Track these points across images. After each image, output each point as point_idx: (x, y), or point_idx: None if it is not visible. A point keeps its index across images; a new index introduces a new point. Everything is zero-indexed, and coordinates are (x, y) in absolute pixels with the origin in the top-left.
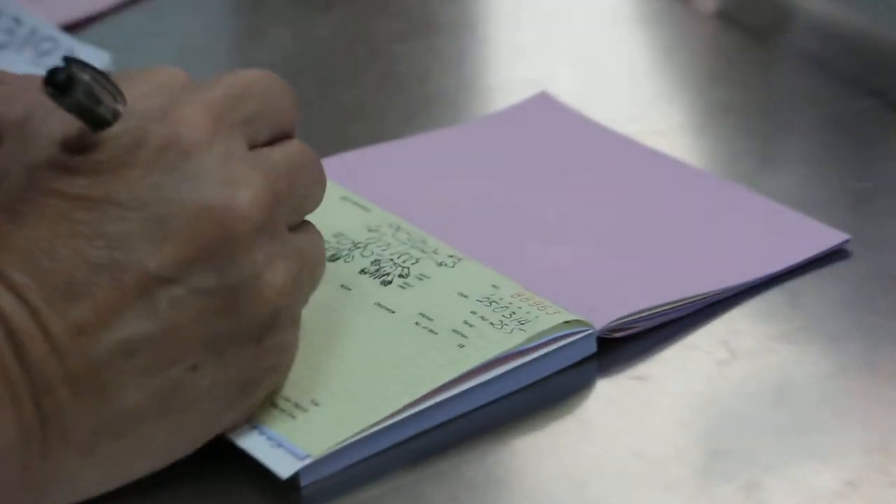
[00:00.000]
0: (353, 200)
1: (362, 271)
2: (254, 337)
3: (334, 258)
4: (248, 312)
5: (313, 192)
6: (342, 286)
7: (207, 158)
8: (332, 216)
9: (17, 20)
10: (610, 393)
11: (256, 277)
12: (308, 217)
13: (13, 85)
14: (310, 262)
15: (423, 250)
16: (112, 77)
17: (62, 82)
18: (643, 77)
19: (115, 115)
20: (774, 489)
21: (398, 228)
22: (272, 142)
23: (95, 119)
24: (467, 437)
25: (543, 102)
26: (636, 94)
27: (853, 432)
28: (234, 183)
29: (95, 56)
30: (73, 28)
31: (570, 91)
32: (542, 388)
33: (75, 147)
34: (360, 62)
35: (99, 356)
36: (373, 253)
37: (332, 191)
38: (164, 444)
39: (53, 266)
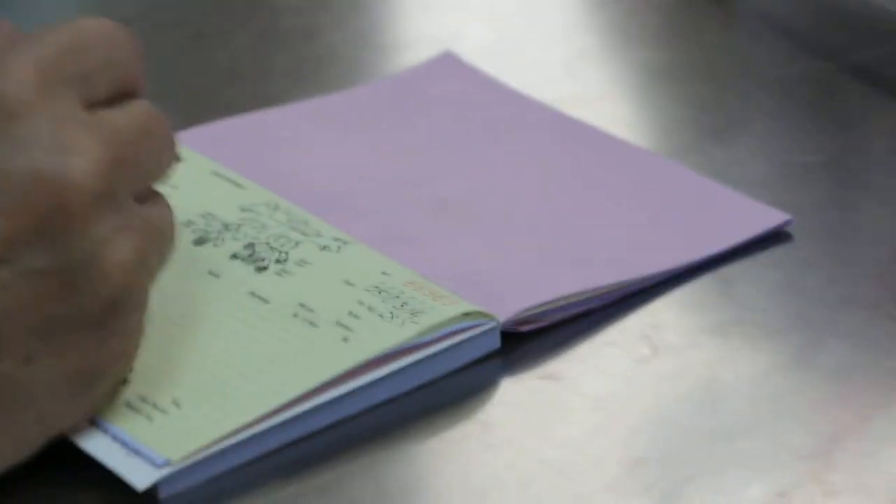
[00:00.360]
0: (225, 176)
1: (234, 256)
2: (95, 322)
3: (201, 241)
4: (88, 294)
5: (161, 158)
6: (210, 272)
7: (36, 121)
8: (200, 193)
9: None
10: (515, 394)
11: (96, 254)
12: (172, 193)
13: None
14: (159, 237)
15: (304, 233)
16: None
17: None
18: (562, 36)
19: None
20: (697, 502)
21: (276, 208)
22: (114, 101)
23: None
24: (353, 445)
25: (448, 63)
26: (554, 56)
27: (787, 437)
28: (67, 148)
29: None
30: None
31: (479, 51)
32: (439, 387)
33: None
34: (236, 15)
35: None
36: (246, 235)
37: (202, 164)
38: None
39: None
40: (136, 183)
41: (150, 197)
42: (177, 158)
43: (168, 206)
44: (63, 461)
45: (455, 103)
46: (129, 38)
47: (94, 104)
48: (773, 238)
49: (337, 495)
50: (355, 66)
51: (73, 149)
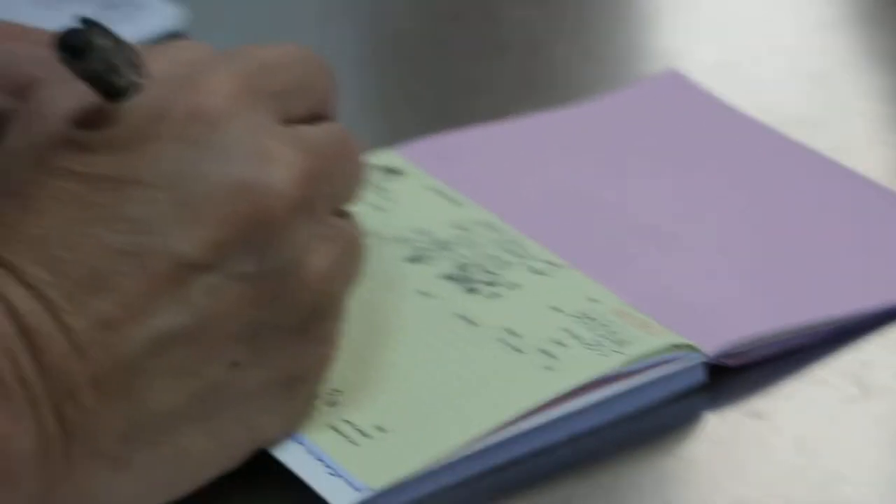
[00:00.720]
0: (441, 192)
1: (446, 276)
2: (298, 327)
3: (414, 259)
4: (290, 300)
5: (353, 177)
6: (420, 292)
7: (237, 130)
8: (415, 209)
9: None
10: (718, 430)
11: (298, 261)
12: (390, 208)
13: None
14: (354, 249)
15: (516, 254)
16: (135, 49)
17: (78, 46)
18: (794, 56)
19: (136, 88)
20: None
21: (491, 228)
22: (308, 122)
23: (113, 89)
24: (551, 476)
25: (672, 81)
26: (783, 76)
27: None
28: (267, 157)
29: (167, 12)
30: None
31: (705, 68)
32: (641, 420)
33: (90, 122)
34: (463, 26)
35: (127, 354)
36: (459, 255)
37: (419, 179)
38: (205, 454)
39: (72, 256)
40: (331, 196)
41: (343, 214)
42: (364, 178)
43: (357, 223)
44: (265, 475)
45: (676, 124)
46: (325, 65)
47: (290, 120)
48: None
49: None
50: (580, 80)
51: (274, 157)
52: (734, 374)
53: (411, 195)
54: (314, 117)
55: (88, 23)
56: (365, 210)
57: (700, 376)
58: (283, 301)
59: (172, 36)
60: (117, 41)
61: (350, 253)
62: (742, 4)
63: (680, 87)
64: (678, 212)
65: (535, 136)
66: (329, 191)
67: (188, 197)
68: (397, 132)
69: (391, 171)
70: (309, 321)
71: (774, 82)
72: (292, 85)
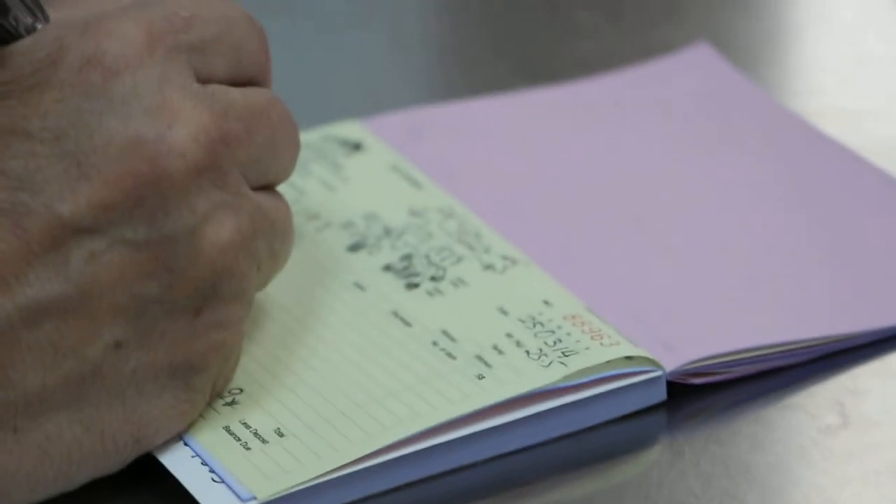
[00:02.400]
0: (402, 171)
1: (386, 267)
2: (190, 306)
3: (356, 247)
4: (183, 273)
5: (281, 152)
6: (356, 284)
7: (139, 81)
8: (369, 190)
9: None
10: (676, 456)
11: (195, 230)
12: (341, 187)
13: None
14: (270, 229)
15: (471, 247)
16: None
17: None
18: (840, 41)
19: (28, 31)
20: None
21: (450, 215)
22: (234, 84)
23: (2, 31)
24: (468, 496)
25: (701, 58)
26: (825, 62)
27: None
28: (171, 112)
29: None
30: None
31: (743, 47)
32: (584, 441)
33: None
34: None
35: None
36: (406, 245)
37: (380, 156)
38: (78, 447)
39: None
40: (248, 166)
41: (267, 190)
42: (295, 153)
43: (286, 204)
44: (148, 478)
45: (692, 102)
46: (256, 26)
47: (208, 79)
48: None
49: None
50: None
51: (178, 114)
52: (698, 394)
53: (368, 174)
54: (241, 81)
55: None
56: (313, 187)
57: (659, 394)
58: (174, 274)
59: None
60: None
61: (264, 231)
62: None
63: (707, 63)
64: (669, 205)
65: (523, 115)
66: (244, 159)
67: (76, 151)
68: (378, 101)
69: (351, 145)
70: (203, 300)
71: (807, 69)
72: (214, 38)
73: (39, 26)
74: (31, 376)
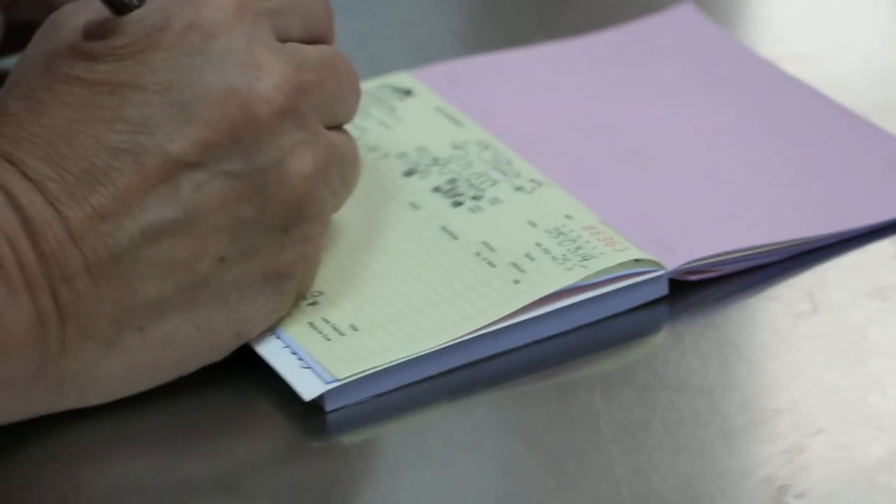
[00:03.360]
0: (447, 113)
1: (436, 189)
2: (279, 225)
3: (410, 173)
4: (273, 198)
5: (346, 97)
6: (411, 204)
7: (232, 41)
8: (419, 128)
9: None
10: (677, 340)
11: (281, 162)
12: (396, 125)
13: None
14: (341, 161)
15: (504, 172)
16: None
17: None
18: None
19: (140, 3)
20: (819, 455)
21: (486, 147)
22: (304, 42)
23: (118, 3)
24: (511, 374)
25: (686, 15)
26: (792, 11)
27: None
28: (258, 66)
29: None
30: None
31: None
32: (603, 328)
33: (97, 33)
34: None
35: (120, 244)
36: (451, 171)
37: (428, 100)
38: (190, 342)
39: (72, 153)
40: (321, 109)
41: (337, 129)
42: (357, 98)
43: (352, 139)
44: (247, 367)
45: (679, 52)
46: None
47: (285, 38)
48: None
49: (498, 418)
50: (609, 3)
51: (264, 67)
52: (696, 288)
53: (418, 114)
54: (311, 40)
55: None
56: (372, 126)
57: (662, 290)
58: (266, 199)
59: None
60: None
61: (336, 162)
62: None
63: (691, 20)
64: (665, 137)
65: (543, 64)
66: (317, 104)
67: (182, 100)
68: (424, 55)
69: (403, 92)
70: (290, 220)
71: (778, 18)
72: (287, 6)
73: None
74: (151, 285)
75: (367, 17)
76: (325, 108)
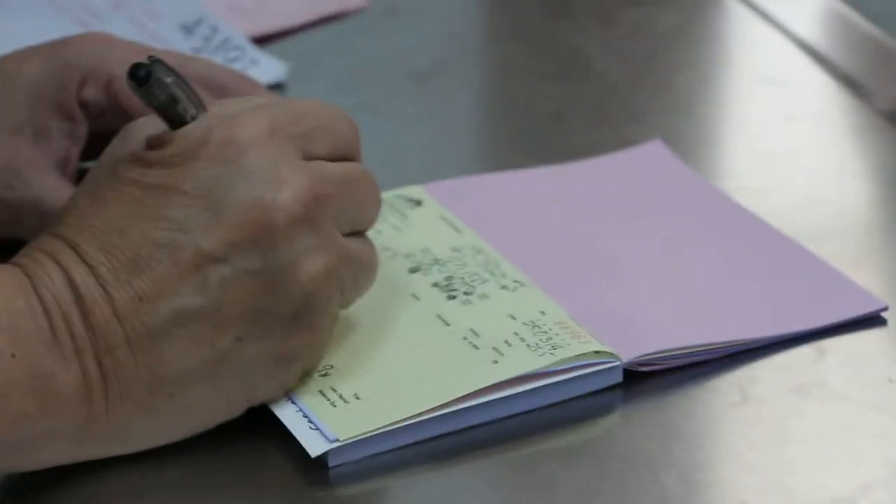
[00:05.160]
0: (449, 221)
1: (434, 284)
2: (290, 315)
3: (414, 270)
4: (284, 293)
5: (366, 207)
6: (413, 295)
7: (261, 158)
8: (425, 232)
9: (214, 29)
10: (628, 420)
11: (293, 262)
12: (406, 229)
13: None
14: (355, 265)
15: (493, 273)
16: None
17: (142, 77)
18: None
19: (192, 118)
20: None
21: (479, 251)
22: (330, 160)
23: (172, 117)
24: (494, 443)
25: (655, 151)
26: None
27: (827, 483)
28: (281, 180)
29: (274, 66)
30: (263, 40)
31: (685, 141)
32: (566, 407)
33: (155, 144)
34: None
35: (156, 323)
36: (449, 270)
37: (433, 210)
38: (212, 405)
39: (122, 243)
40: (337, 218)
41: (357, 236)
42: (379, 209)
43: (371, 246)
44: (264, 426)
45: (648, 184)
46: (347, 117)
47: (311, 157)
48: (874, 319)
49: (473, 480)
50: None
51: (285, 181)
52: (647, 378)
53: (425, 221)
54: (338, 158)
55: (154, 60)
56: (386, 229)
57: (617, 377)
58: (280, 293)
59: (276, 87)
60: (178, 78)
61: (348, 266)
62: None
63: (659, 156)
64: (632, 251)
65: (532, 185)
66: (334, 213)
67: (215, 205)
68: (433, 172)
69: (414, 202)
70: (299, 312)
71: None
72: (316, 128)
73: (199, 114)
74: (180, 359)
75: (391, 139)
76: (341, 216)
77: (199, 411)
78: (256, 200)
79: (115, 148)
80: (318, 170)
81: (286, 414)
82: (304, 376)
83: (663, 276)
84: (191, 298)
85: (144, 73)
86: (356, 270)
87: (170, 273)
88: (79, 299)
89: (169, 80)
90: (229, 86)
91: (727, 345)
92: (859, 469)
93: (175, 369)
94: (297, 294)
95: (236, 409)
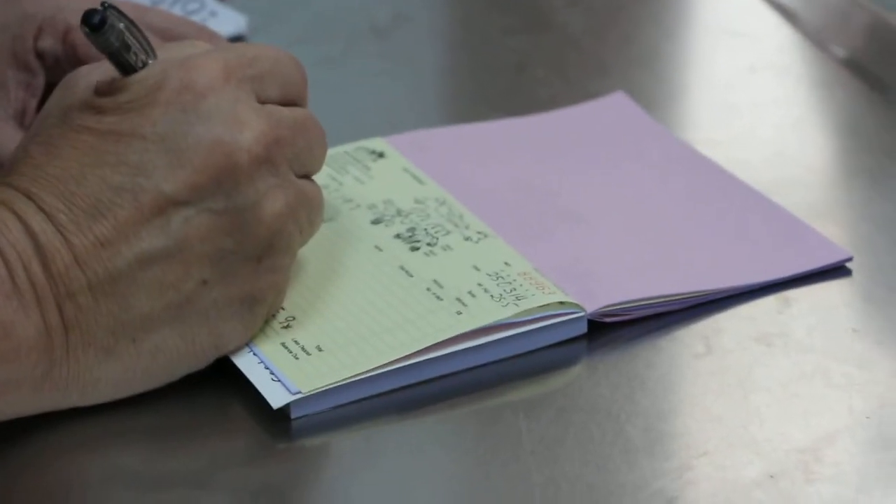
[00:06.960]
0: (412, 173)
1: (397, 236)
2: (254, 256)
3: (377, 221)
4: (249, 232)
5: (315, 152)
6: (376, 247)
7: (219, 101)
8: (388, 184)
9: None
10: (592, 371)
11: (257, 202)
12: (368, 181)
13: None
14: (308, 204)
15: (456, 224)
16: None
17: (96, 24)
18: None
19: (143, 65)
20: (704, 474)
21: (442, 203)
22: (281, 104)
23: (124, 64)
24: (456, 394)
25: (619, 102)
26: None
27: (787, 429)
28: (240, 122)
29: (234, 19)
30: None
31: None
32: (530, 358)
33: (106, 90)
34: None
35: (118, 267)
36: (412, 221)
37: (396, 161)
38: (177, 352)
39: (81, 190)
40: (292, 160)
41: (306, 178)
42: (324, 152)
43: (318, 187)
44: (225, 378)
45: (611, 135)
46: (298, 63)
47: (264, 100)
48: (839, 269)
49: (437, 431)
50: (554, 90)
51: (246, 123)
52: (611, 329)
53: (387, 173)
54: (287, 103)
55: (106, 6)
56: (348, 181)
57: (582, 328)
58: (243, 233)
59: (236, 39)
60: (132, 25)
61: (304, 205)
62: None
63: (622, 107)
64: (595, 202)
65: (495, 137)
66: (290, 156)
67: (175, 148)
68: (396, 125)
69: (376, 154)
70: (263, 252)
71: (702, 109)
72: (268, 72)
73: (150, 61)
74: (144, 303)
75: (353, 93)
76: (296, 159)
77: (163, 358)
78: (217, 143)
79: (62, 96)
80: (274, 113)
81: (248, 366)
82: (266, 324)
83: (627, 227)
84: (154, 241)
85: (98, 20)
86: (310, 210)
87: (132, 217)
88: (38, 247)
89: (121, 25)
90: (189, 38)
91: (692, 295)
92: (823, 418)
93: (139, 313)
94: (262, 232)
95: (202, 358)
